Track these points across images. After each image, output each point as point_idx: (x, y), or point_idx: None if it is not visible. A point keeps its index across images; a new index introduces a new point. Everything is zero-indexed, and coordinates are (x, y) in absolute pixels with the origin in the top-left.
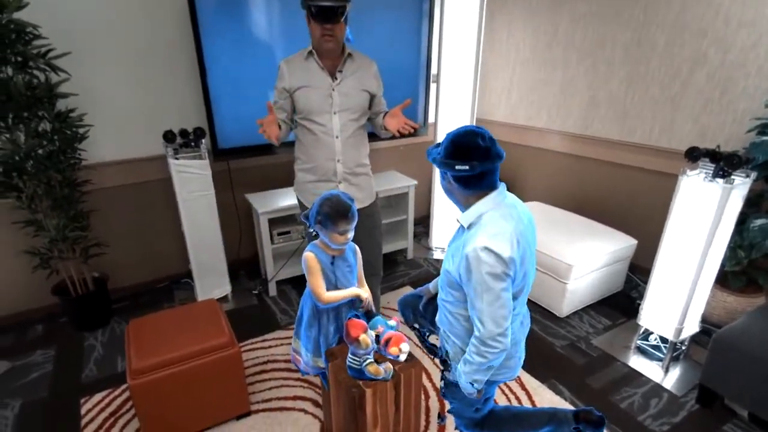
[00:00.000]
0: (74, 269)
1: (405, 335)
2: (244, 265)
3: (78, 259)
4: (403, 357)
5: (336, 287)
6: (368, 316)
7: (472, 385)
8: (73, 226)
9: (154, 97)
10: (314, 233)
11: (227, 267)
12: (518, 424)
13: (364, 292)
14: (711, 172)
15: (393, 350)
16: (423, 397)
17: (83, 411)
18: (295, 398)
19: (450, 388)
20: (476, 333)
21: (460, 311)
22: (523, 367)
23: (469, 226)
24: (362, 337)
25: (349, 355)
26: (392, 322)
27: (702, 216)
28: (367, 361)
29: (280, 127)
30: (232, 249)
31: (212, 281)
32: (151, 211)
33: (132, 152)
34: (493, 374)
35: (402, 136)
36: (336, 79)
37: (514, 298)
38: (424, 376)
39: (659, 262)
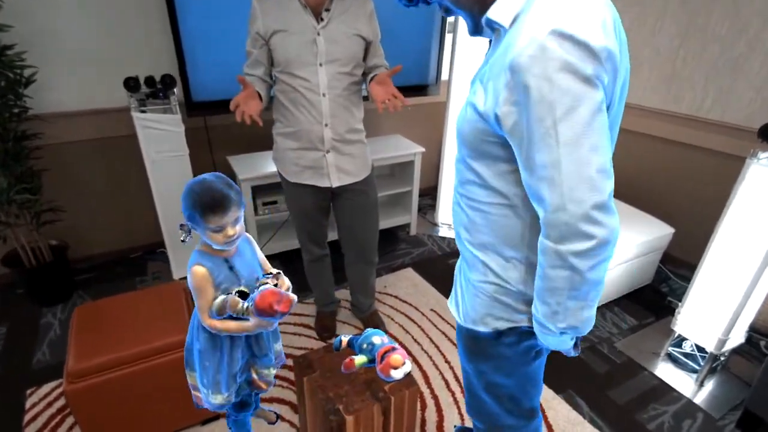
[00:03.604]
0: (25, 237)
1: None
2: None
3: (30, 226)
4: (400, 375)
5: (246, 293)
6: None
7: (562, 333)
8: (20, 188)
9: (118, 34)
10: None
11: None
12: None
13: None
14: None
15: (394, 359)
16: (419, 407)
17: (28, 404)
18: (271, 400)
19: (477, 352)
20: (543, 217)
21: (500, 197)
22: None
23: (515, 19)
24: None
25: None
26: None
27: None
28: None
29: (260, 96)
30: None
31: (188, 254)
32: (120, 170)
33: (93, 102)
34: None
35: (399, 105)
36: (322, 20)
37: None
38: (421, 380)
39: (708, 262)
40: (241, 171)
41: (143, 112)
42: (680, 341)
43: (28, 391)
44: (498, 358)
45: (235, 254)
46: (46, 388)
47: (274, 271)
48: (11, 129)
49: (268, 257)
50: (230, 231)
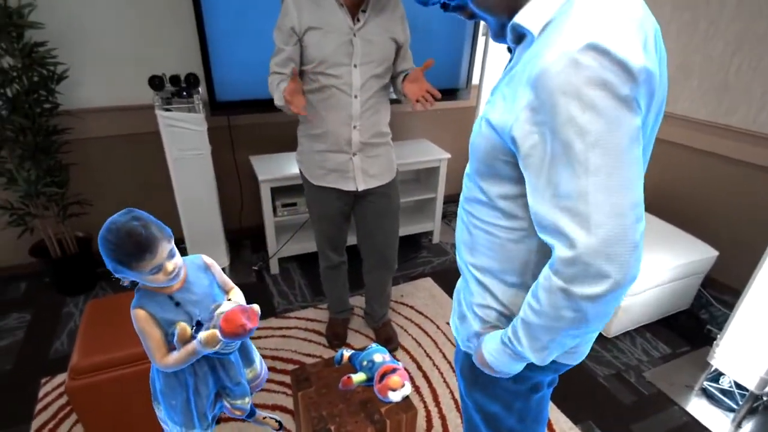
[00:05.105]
0: (52, 228)
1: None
2: (248, 235)
3: (57, 218)
4: (398, 398)
5: (200, 328)
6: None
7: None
8: (48, 180)
9: (145, 32)
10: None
11: (225, 236)
12: None
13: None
14: None
15: (393, 381)
16: (425, 428)
17: (41, 393)
18: (273, 407)
19: (474, 379)
20: (563, 254)
21: (508, 220)
22: (553, 400)
23: (545, 27)
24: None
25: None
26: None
27: None
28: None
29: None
30: (233, 216)
31: (207, 251)
32: (145, 166)
33: (121, 99)
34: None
35: (433, 101)
36: (358, 21)
37: None
38: (430, 399)
39: (754, 289)
40: (261, 171)
41: (168, 110)
42: (717, 376)
43: (43, 380)
44: (495, 390)
45: (182, 288)
46: (59, 378)
47: (231, 285)
48: (42, 124)
49: (285, 259)
50: (169, 266)
